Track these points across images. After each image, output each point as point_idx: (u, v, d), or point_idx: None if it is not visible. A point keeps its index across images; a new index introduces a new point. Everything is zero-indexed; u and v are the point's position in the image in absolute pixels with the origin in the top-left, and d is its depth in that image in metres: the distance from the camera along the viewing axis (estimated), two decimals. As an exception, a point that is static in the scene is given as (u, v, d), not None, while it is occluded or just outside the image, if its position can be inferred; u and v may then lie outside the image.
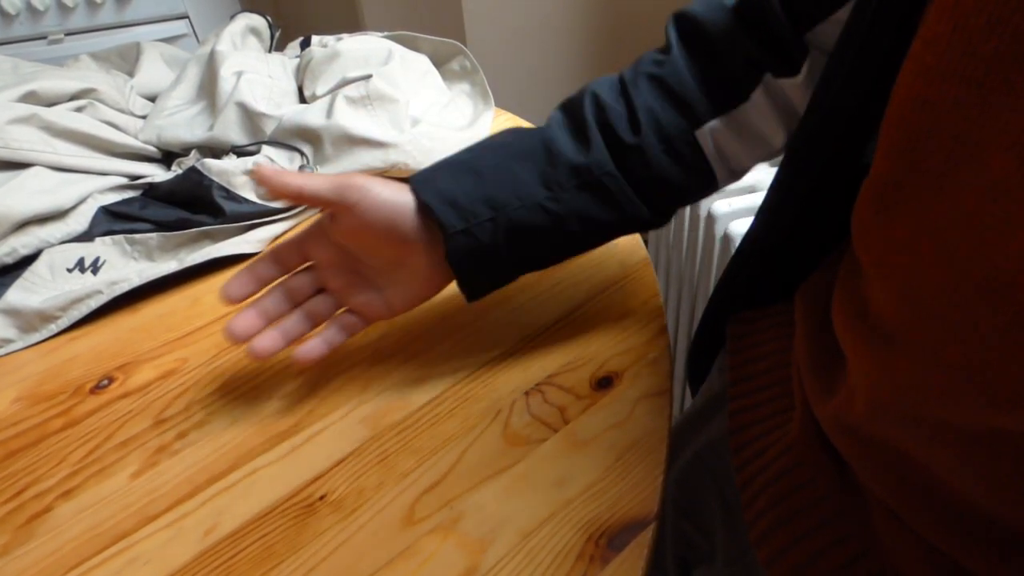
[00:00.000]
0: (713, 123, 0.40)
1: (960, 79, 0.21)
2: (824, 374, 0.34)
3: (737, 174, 0.44)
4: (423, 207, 0.38)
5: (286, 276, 0.41)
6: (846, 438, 0.32)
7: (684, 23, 0.42)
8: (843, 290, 0.32)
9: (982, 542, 0.26)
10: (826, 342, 0.34)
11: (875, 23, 0.28)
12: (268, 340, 0.38)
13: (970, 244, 0.21)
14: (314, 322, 0.41)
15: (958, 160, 0.21)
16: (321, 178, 0.38)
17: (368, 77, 0.62)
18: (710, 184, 0.43)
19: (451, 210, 0.38)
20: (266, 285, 0.40)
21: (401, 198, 0.38)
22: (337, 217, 0.39)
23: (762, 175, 0.85)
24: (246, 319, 0.38)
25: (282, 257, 0.40)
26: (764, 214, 0.39)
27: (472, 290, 0.41)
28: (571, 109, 0.43)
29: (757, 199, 0.80)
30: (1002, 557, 0.25)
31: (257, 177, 0.38)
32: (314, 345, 0.39)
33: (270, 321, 0.40)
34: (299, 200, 0.38)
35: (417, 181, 0.39)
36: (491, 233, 0.39)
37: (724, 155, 0.42)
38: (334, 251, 0.40)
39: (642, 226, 0.44)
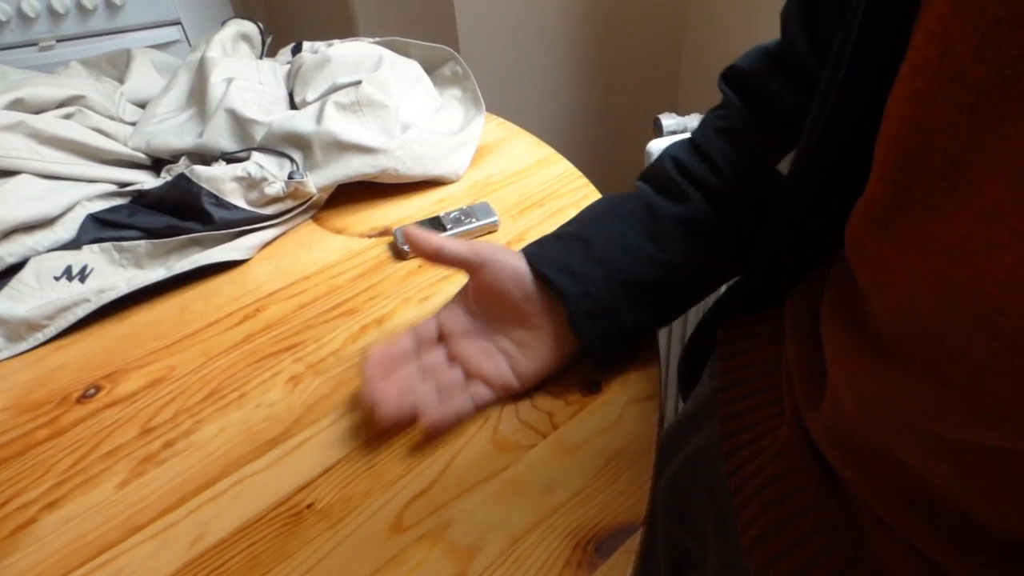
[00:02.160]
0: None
1: (951, 104, 0.21)
2: (815, 382, 0.34)
3: None
4: (540, 277, 0.40)
5: (424, 353, 0.41)
6: (835, 446, 0.32)
7: (732, 76, 0.45)
8: (836, 301, 0.32)
9: (972, 551, 0.26)
10: (816, 351, 0.34)
11: (861, 43, 0.28)
12: (394, 405, 0.37)
13: (961, 268, 0.21)
14: (447, 392, 0.40)
15: (950, 184, 0.21)
16: (459, 241, 0.41)
17: (358, 83, 0.62)
18: None
19: (567, 277, 0.39)
20: (402, 358, 0.40)
21: (525, 266, 0.41)
22: (470, 277, 0.41)
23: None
24: (383, 387, 0.37)
25: (419, 332, 0.41)
26: (767, 229, 0.39)
27: (598, 354, 0.41)
28: (654, 175, 0.45)
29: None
30: (992, 566, 0.25)
31: (407, 235, 0.41)
32: (445, 414, 0.38)
33: (402, 381, 0.39)
34: (438, 258, 0.41)
35: (531, 254, 0.41)
36: (607, 292, 0.40)
37: None
38: (467, 323, 0.42)
39: (737, 268, 0.45)
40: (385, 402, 0.37)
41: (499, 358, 0.40)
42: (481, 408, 0.40)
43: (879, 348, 0.27)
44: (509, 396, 0.41)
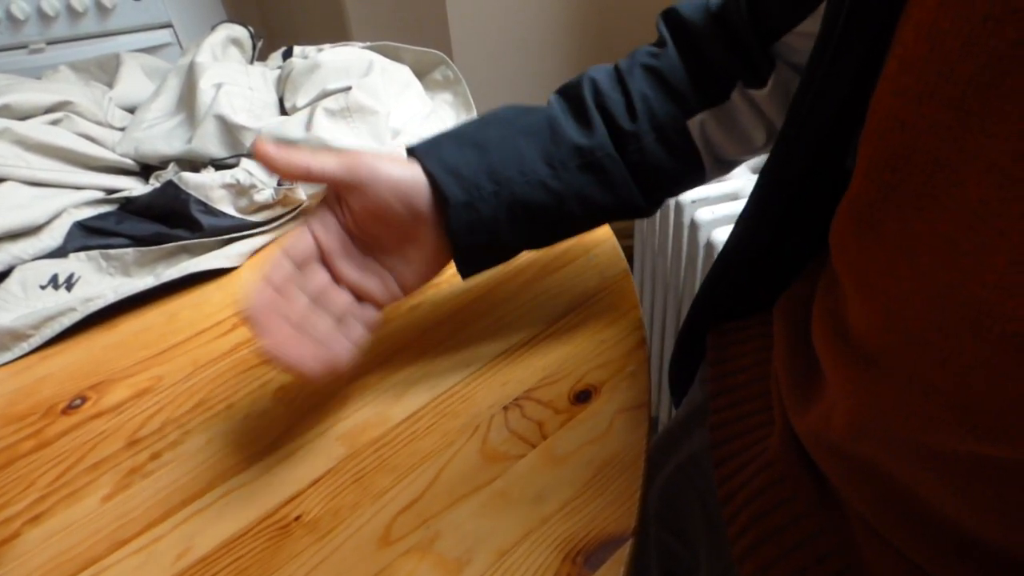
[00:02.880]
0: (702, 115, 0.41)
1: (938, 101, 0.20)
2: (803, 389, 0.34)
3: (723, 165, 0.44)
4: (427, 176, 0.38)
5: (301, 274, 0.39)
6: (826, 454, 0.32)
7: (672, 20, 0.43)
8: (822, 308, 0.32)
9: (963, 560, 0.26)
10: (805, 356, 0.34)
11: (846, 35, 0.28)
12: (307, 351, 0.35)
13: (948, 270, 0.21)
14: (337, 317, 0.38)
15: (936, 183, 0.21)
16: (328, 156, 0.37)
17: (348, 89, 0.62)
18: (698, 172, 0.44)
19: (454, 181, 0.38)
20: (284, 285, 0.37)
21: (410, 171, 0.38)
22: (346, 196, 0.38)
23: (744, 182, 0.85)
24: (278, 330, 0.35)
25: (293, 253, 0.38)
26: (743, 224, 0.39)
27: (467, 265, 0.41)
28: (571, 93, 0.43)
29: (739, 206, 0.80)
30: (983, 575, 0.25)
31: (260, 154, 0.36)
32: (346, 349, 0.37)
33: (297, 324, 0.37)
34: (307, 178, 0.37)
35: (420, 150, 0.39)
36: (493, 207, 0.39)
37: (711, 144, 0.42)
38: (344, 239, 0.39)
39: (634, 213, 0.44)
40: (288, 342, 0.34)
41: (384, 274, 0.40)
42: (373, 329, 0.40)
43: (863, 356, 0.26)
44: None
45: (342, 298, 0.39)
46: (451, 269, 0.42)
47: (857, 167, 0.25)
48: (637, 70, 0.42)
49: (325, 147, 0.59)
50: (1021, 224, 0.18)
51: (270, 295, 0.36)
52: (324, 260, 0.39)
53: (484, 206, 0.38)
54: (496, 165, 0.39)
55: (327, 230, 0.38)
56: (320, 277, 0.38)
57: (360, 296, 0.39)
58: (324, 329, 0.37)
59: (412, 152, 0.39)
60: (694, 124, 0.41)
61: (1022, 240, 0.18)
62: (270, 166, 0.36)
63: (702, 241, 0.81)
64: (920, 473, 0.26)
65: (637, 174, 0.42)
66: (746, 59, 0.40)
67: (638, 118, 0.41)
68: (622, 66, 0.43)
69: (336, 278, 0.39)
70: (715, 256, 0.75)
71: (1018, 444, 0.20)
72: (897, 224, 0.23)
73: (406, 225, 0.38)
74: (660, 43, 0.44)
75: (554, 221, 0.42)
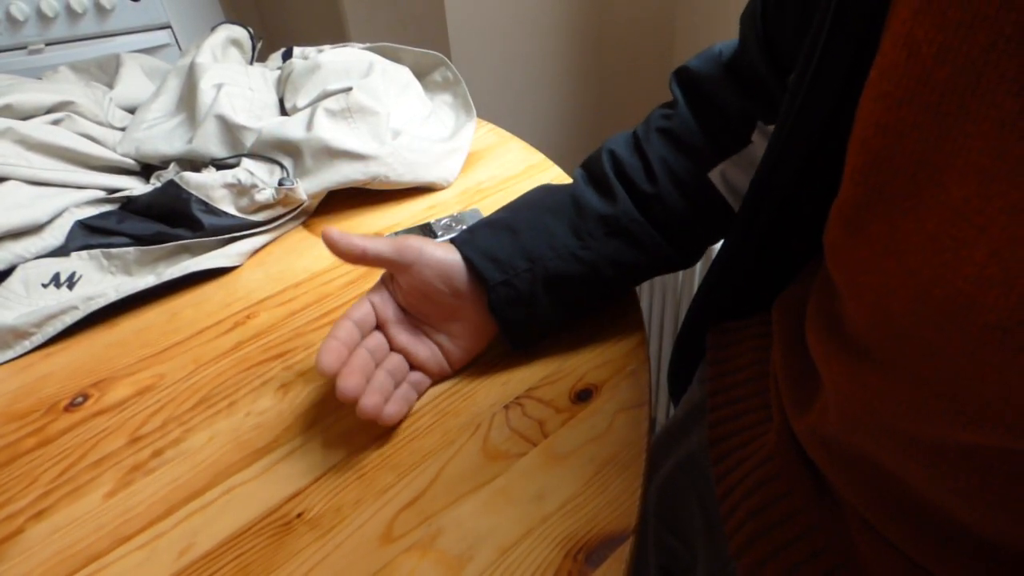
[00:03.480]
0: (722, 165, 0.43)
1: (917, 105, 0.21)
2: (801, 387, 0.34)
3: None
4: (466, 262, 0.42)
5: (366, 338, 0.42)
6: (822, 450, 0.32)
7: (683, 78, 0.46)
8: (817, 306, 0.32)
9: (957, 553, 0.26)
10: (803, 355, 0.35)
11: (830, 46, 0.28)
12: (371, 399, 0.39)
13: (932, 266, 0.21)
14: (395, 378, 0.42)
15: (919, 183, 0.22)
16: (382, 241, 0.42)
17: (348, 89, 0.62)
18: (729, 216, 0.46)
19: (491, 264, 0.42)
20: (352, 346, 0.41)
21: (451, 256, 0.42)
22: (397, 276, 0.43)
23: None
24: (353, 381, 0.38)
25: (359, 320, 0.42)
26: (738, 228, 0.39)
27: (515, 338, 0.44)
28: (591, 167, 0.46)
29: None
30: (975, 568, 0.26)
31: (326, 239, 0.41)
32: (398, 409, 0.40)
33: (366, 378, 0.40)
34: (362, 261, 0.41)
35: (460, 241, 0.43)
36: (529, 283, 0.42)
37: (737, 190, 0.44)
38: (398, 312, 0.44)
39: (672, 266, 0.47)
40: (359, 391, 0.38)
41: (432, 346, 0.43)
42: (422, 394, 0.43)
43: (856, 351, 0.27)
44: (443, 378, 0.44)
45: (395, 358, 0.42)
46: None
47: (844, 172, 0.26)
48: (653, 135, 0.45)
49: (326, 147, 0.59)
50: (1000, 219, 0.19)
51: (342, 350, 0.39)
52: (380, 327, 0.43)
53: (519, 282, 0.42)
54: (528, 244, 0.43)
55: (383, 302, 0.43)
56: (378, 340, 0.42)
57: (412, 362, 0.43)
58: (388, 386, 0.41)
59: (453, 243, 0.43)
60: (715, 175, 0.44)
61: (1001, 234, 0.19)
62: (333, 249, 0.41)
63: (700, 242, 0.81)
64: (912, 464, 0.26)
65: (666, 231, 0.44)
66: (764, 98, 0.41)
67: (657, 180, 0.44)
68: (640, 133, 0.46)
69: (391, 344, 0.43)
70: (713, 257, 0.76)
71: (1004, 432, 0.21)
72: (883, 224, 0.24)
73: (449, 302, 0.42)
74: (672, 104, 0.46)
75: (590, 288, 0.44)
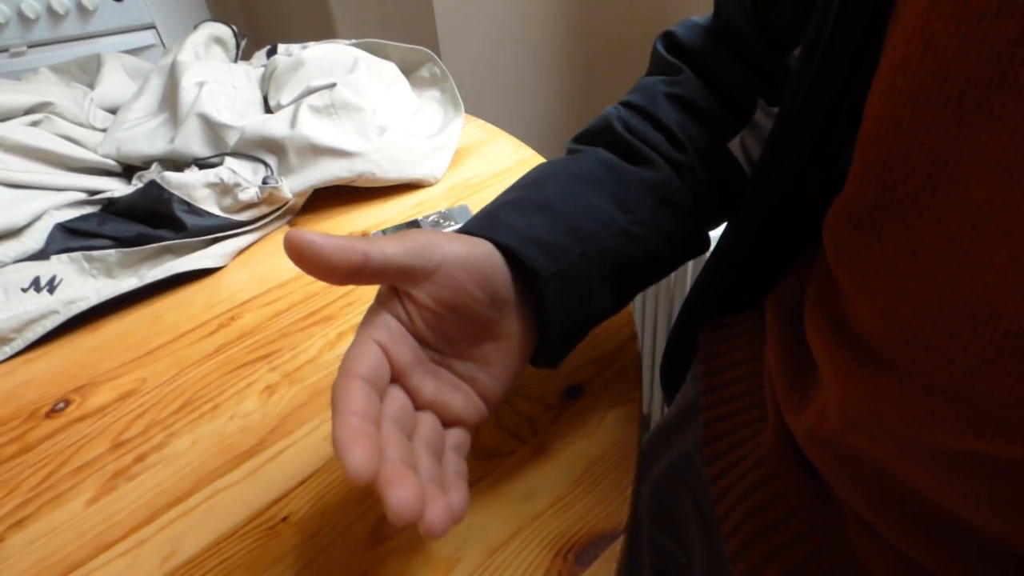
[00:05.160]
0: (741, 133, 0.39)
1: (935, 102, 0.20)
2: (797, 385, 0.34)
3: None
4: (505, 255, 0.31)
5: (385, 401, 0.28)
6: (819, 450, 0.31)
7: (675, 46, 0.42)
8: (817, 303, 0.31)
9: (957, 554, 0.25)
10: (798, 352, 0.34)
11: (835, 34, 0.27)
12: (438, 509, 0.25)
13: (950, 270, 0.21)
14: (435, 451, 0.29)
15: (936, 183, 0.21)
16: (390, 241, 0.28)
17: (333, 85, 0.62)
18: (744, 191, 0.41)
19: (538, 250, 0.31)
20: (375, 421, 0.26)
21: (480, 249, 0.30)
22: (413, 289, 0.29)
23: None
24: (411, 491, 0.23)
25: (370, 376, 0.27)
26: (733, 224, 0.39)
27: (563, 347, 0.34)
28: (602, 137, 0.38)
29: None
30: (980, 570, 0.25)
31: (295, 247, 0.25)
32: (462, 497, 0.27)
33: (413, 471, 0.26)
34: (363, 274, 0.27)
35: (482, 226, 0.32)
36: (584, 270, 0.32)
37: (753, 160, 0.40)
38: (416, 350, 0.30)
39: (698, 249, 0.40)
40: (427, 505, 0.24)
41: (464, 388, 0.31)
42: (467, 456, 0.31)
43: (863, 352, 0.26)
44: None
45: (429, 424, 0.29)
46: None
47: (853, 170, 0.25)
48: (663, 101, 0.39)
49: (310, 145, 0.58)
50: None
51: (370, 433, 0.24)
52: (396, 378, 0.29)
53: (575, 271, 0.32)
54: (574, 222, 0.33)
55: (394, 339, 0.29)
56: (400, 402, 0.29)
57: (445, 419, 0.30)
58: (438, 472, 0.28)
59: (470, 231, 0.32)
60: (735, 145, 0.39)
61: None
62: (312, 258, 0.26)
63: (691, 236, 0.80)
64: (915, 467, 0.25)
65: (704, 202, 0.39)
66: (763, 76, 0.38)
67: (686, 149, 0.38)
68: (642, 101, 0.39)
69: (415, 400, 0.30)
70: (707, 254, 0.76)
71: (1021, 444, 0.20)
72: (897, 225, 0.23)
73: (485, 316, 0.30)
74: (673, 70, 0.41)
75: (641, 270, 0.36)
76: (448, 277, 0.29)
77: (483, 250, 0.30)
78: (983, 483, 0.23)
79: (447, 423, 0.30)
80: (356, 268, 0.26)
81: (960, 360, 0.21)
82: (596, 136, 0.39)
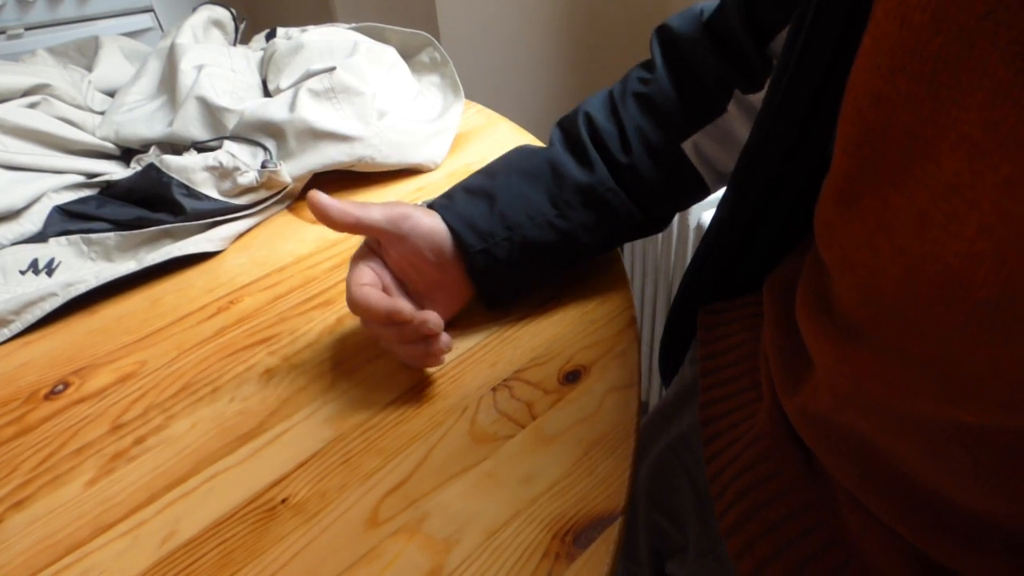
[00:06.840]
0: (696, 136, 0.44)
1: (910, 75, 0.21)
2: (791, 366, 0.34)
3: (725, 176, 0.46)
4: (448, 227, 0.42)
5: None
6: (811, 428, 0.32)
7: (664, 37, 0.46)
8: (807, 285, 0.32)
9: (947, 531, 0.26)
10: (793, 334, 0.34)
11: (821, 13, 0.28)
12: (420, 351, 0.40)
13: (922, 242, 0.21)
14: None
15: (912, 157, 0.21)
16: (375, 208, 0.41)
17: (332, 69, 0.61)
18: (700, 188, 0.46)
19: (471, 232, 0.42)
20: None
21: (437, 224, 0.42)
22: (386, 247, 0.42)
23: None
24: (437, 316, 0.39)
25: (371, 279, 0.42)
26: (724, 207, 0.39)
27: (492, 301, 0.46)
28: (568, 129, 0.46)
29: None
30: (966, 546, 0.25)
31: (314, 205, 0.39)
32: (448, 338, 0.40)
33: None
34: (356, 230, 0.41)
35: (440, 206, 0.43)
36: (507, 251, 0.43)
37: (708, 161, 0.45)
38: (394, 279, 0.43)
39: (643, 232, 0.48)
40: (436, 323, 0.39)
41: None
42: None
43: (845, 329, 0.27)
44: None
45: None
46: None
47: (836, 143, 0.25)
48: (629, 100, 0.45)
49: (310, 129, 0.58)
50: (992, 194, 0.18)
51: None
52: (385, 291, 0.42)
53: (498, 250, 0.43)
54: (506, 211, 0.43)
55: (380, 269, 0.43)
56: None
57: None
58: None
59: (432, 207, 0.44)
60: (688, 146, 0.44)
61: (992, 209, 0.19)
62: (322, 214, 0.39)
63: (692, 223, 0.81)
64: (903, 443, 0.26)
65: (640, 199, 0.45)
66: (742, 65, 0.41)
67: (632, 150, 0.44)
68: (616, 94, 0.46)
69: None
70: (702, 236, 0.75)
71: (996, 409, 0.21)
72: (875, 198, 0.23)
73: (433, 272, 0.43)
74: (650, 66, 0.46)
75: (566, 254, 0.45)
76: (413, 244, 0.41)
77: (440, 226, 0.42)
78: (966, 455, 0.23)
79: None
80: (351, 225, 0.40)
81: (934, 330, 0.22)
82: (566, 125, 0.47)
